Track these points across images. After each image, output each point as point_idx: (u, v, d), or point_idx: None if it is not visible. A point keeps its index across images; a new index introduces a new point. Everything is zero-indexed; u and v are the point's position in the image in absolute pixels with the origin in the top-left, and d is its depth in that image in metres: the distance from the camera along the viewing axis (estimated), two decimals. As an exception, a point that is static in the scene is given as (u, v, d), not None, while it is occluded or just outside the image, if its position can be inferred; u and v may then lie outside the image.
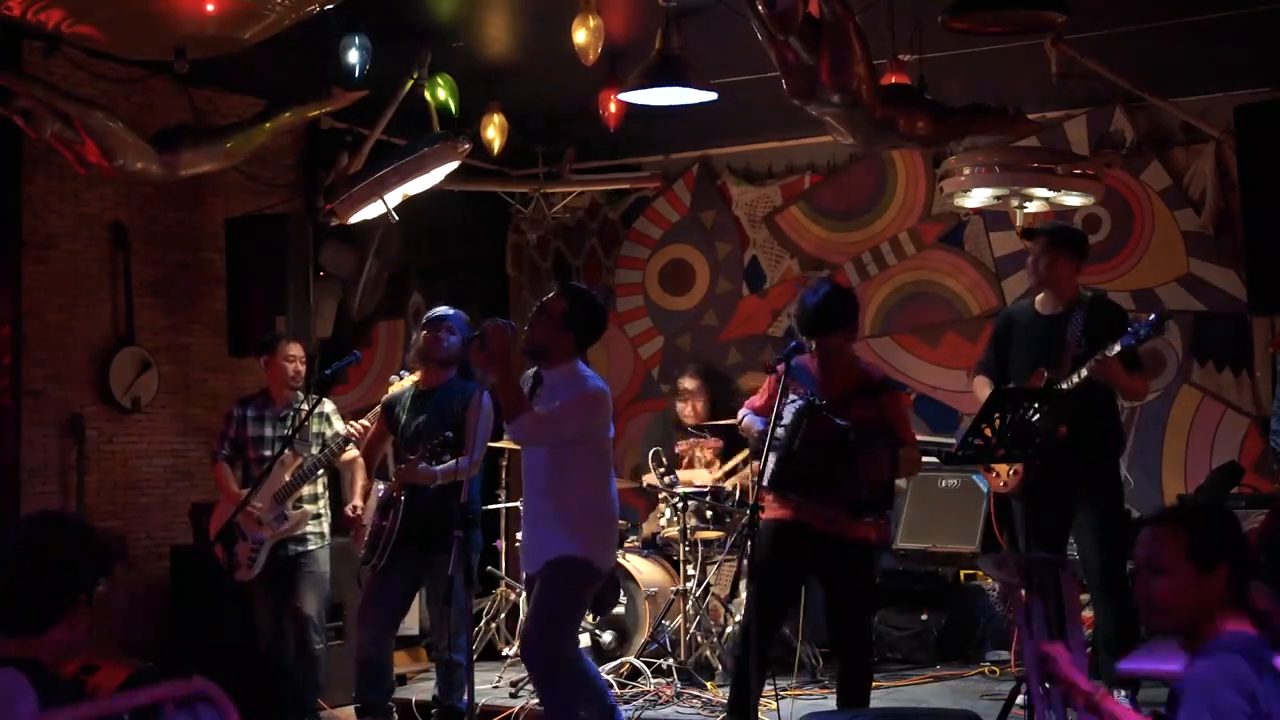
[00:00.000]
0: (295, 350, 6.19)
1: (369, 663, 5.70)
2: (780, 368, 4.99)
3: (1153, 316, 5.29)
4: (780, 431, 4.93)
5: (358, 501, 5.94)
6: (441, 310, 5.91)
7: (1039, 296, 5.73)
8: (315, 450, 6.07)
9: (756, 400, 5.37)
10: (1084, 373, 5.32)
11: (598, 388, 4.98)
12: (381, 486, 5.83)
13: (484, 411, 5.41)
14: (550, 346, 5.00)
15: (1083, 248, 5.76)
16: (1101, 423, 5.54)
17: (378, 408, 6.02)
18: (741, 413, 5.42)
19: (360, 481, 6.01)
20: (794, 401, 4.96)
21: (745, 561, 5.25)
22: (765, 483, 4.95)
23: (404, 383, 5.98)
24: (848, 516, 4.96)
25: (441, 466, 5.51)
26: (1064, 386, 5.37)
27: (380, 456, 6.16)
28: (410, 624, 6.93)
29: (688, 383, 7.74)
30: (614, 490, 5.10)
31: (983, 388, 5.69)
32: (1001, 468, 5.57)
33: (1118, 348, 5.25)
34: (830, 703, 5.84)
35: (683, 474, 7.23)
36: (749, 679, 4.95)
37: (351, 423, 6.07)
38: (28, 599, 2.67)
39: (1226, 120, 6.78)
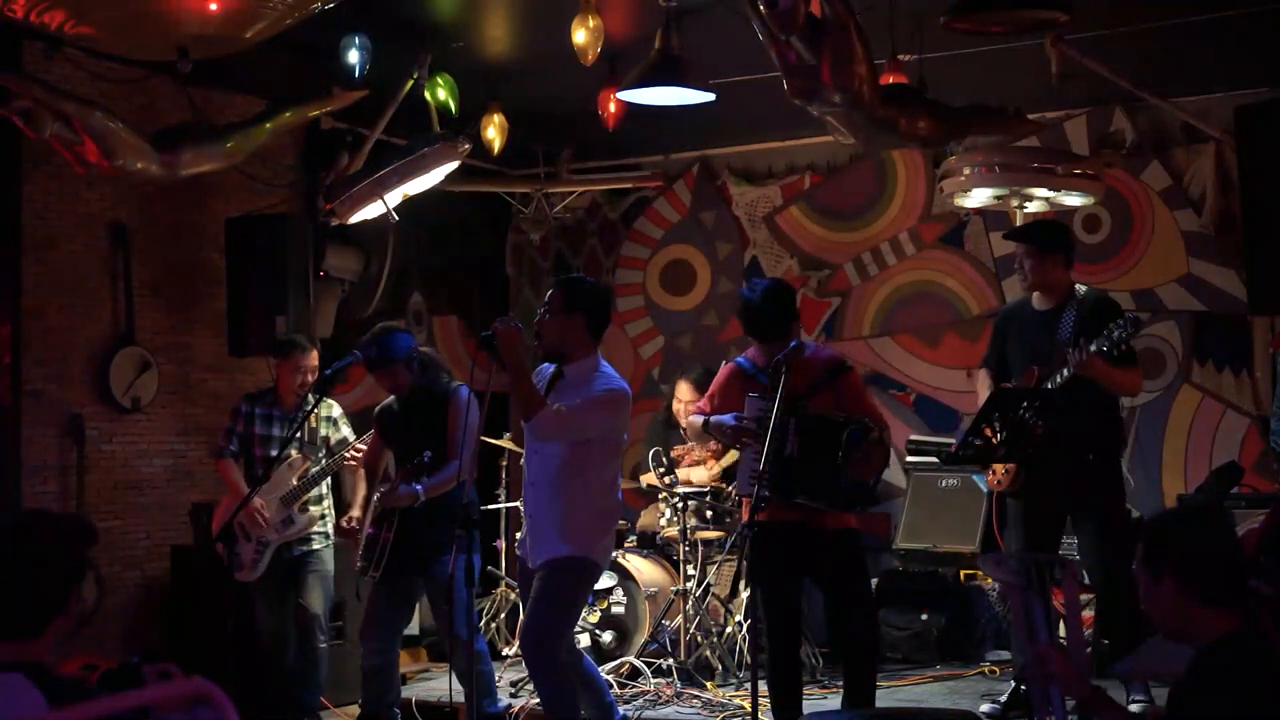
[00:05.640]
0: (311, 361, 6.14)
1: (375, 672, 5.65)
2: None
3: (1130, 316, 5.30)
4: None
5: (356, 513, 5.87)
6: (369, 356, 5.70)
7: (1035, 293, 5.74)
8: (322, 454, 6.07)
9: (704, 404, 5.37)
10: (1067, 371, 5.31)
11: (621, 387, 5.00)
12: (378, 497, 5.79)
13: (466, 408, 5.25)
14: (565, 340, 5.00)
15: (1064, 241, 5.73)
16: (1097, 421, 5.52)
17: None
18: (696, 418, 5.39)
19: (361, 491, 5.96)
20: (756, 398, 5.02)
21: (744, 562, 5.26)
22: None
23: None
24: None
25: (430, 480, 5.44)
26: (1049, 385, 5.36)
27: (382, 467, 6.14)
28: (410, 624, 6.91)
29: (683, 393, 7.61)
30: (620, 491, 5.12)
31: (983, 384, 5.74)
32: (998, 466, 5.57)
33: (1093, 348, 5.23)
34: (830, 703, 5.85)
35: (680, 473, 7.21)
36: (786, 691, 5.01)
37: (356, 448, 6.07)
38: (24, 601, 2.64)
39: (1226, 120, 6.77)
